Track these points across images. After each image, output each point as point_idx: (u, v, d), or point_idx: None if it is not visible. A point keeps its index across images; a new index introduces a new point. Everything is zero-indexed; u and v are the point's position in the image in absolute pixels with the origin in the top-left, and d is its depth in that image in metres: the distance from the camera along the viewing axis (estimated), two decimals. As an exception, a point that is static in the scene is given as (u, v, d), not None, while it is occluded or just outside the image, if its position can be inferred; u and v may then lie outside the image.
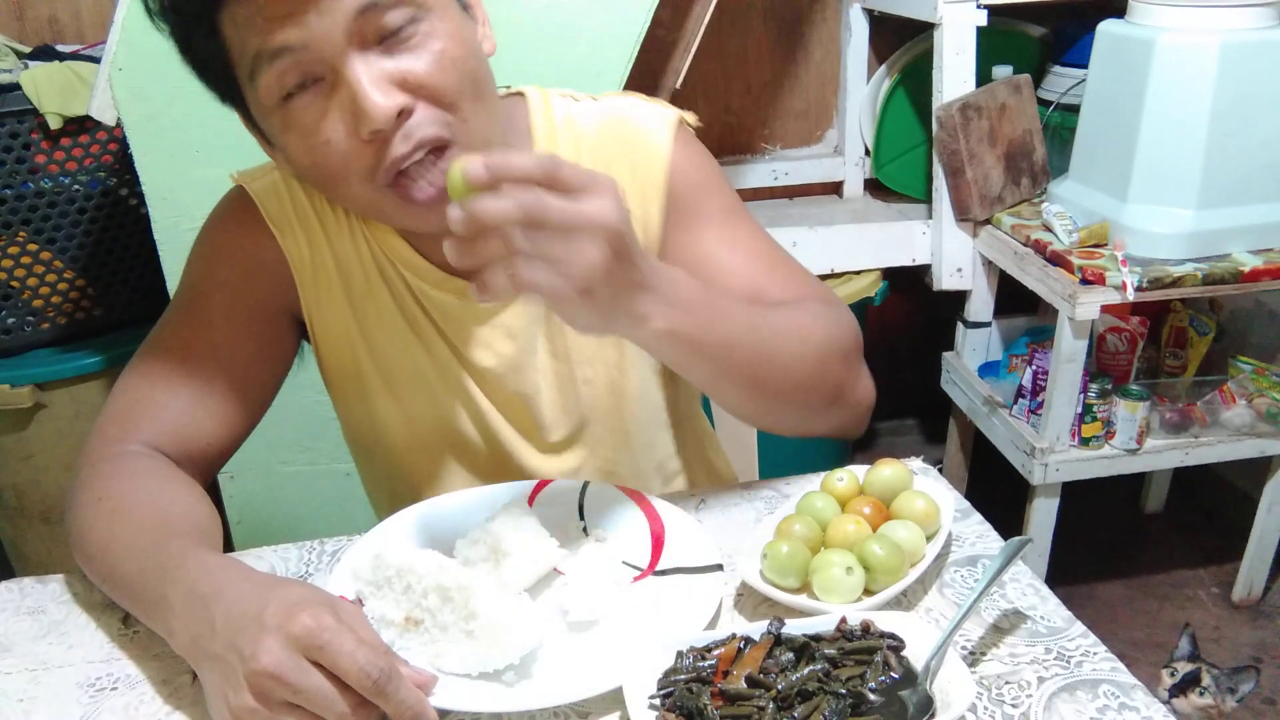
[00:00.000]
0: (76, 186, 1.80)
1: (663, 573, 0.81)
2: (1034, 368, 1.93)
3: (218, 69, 0.78)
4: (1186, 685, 1.68)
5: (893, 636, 0.69)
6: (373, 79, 0.73)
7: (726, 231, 0.94)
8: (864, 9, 2.28)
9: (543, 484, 0.91)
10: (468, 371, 0.96)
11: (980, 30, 1.97)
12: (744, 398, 0.85)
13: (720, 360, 0.80)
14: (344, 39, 0.73)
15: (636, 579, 0.80)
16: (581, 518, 0.88)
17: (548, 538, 0.79)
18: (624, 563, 0.81)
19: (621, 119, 0.93)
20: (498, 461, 0.99)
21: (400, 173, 0.77)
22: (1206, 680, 1.66)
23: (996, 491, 1.86)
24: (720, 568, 0.78)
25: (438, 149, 0.77)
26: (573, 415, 0.99)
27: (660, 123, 0.93)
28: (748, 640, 0.68)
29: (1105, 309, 1.79)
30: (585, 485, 0.91)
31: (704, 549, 0.81)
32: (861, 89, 2.36)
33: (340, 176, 0.78)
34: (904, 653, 0.68)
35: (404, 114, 0.74)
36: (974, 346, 2.21)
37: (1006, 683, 0.69)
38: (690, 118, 0.95)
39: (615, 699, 0.66)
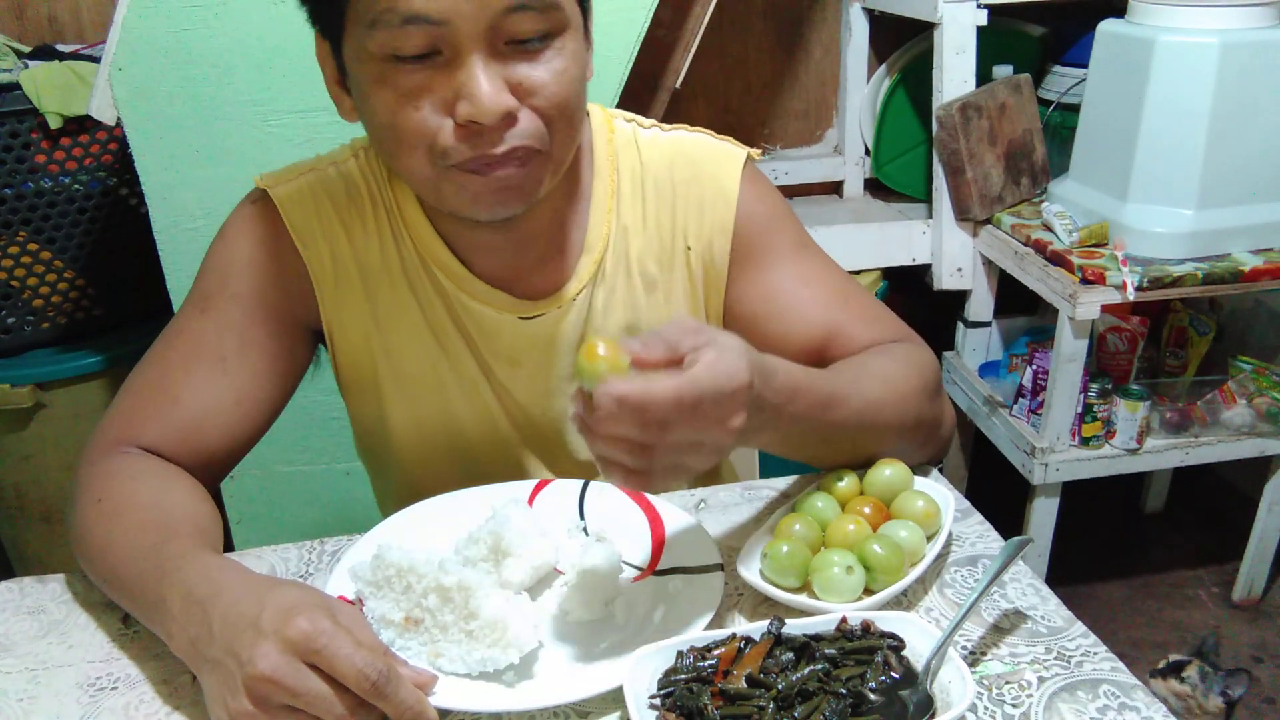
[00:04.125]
0: (76, 186, 1.80)
1: (663, 573, 0.80)
2: (1034, 367, 1.93)
3: None
4: (1170, 671, 1.69)
5: (893, 636, 0.68)
6: (490, 75, 0.73)
7: (799, 266, 0.95)
8: (864, 9, 2.28)
9: (543, 484, 0.91)
10: (494, 390, 0.95)
11: (980, 30, 1.97)
12: (841, 460, 0.87)
13: (824, 444, 0.84)
14: (484, 29, 0.72)
15: (636, 579, 0.80)
16: (582, 517, 0.88)
17: (548, 537, 0.79)
18: (624, 562, 0.81)
19: (692, 159, 0.94)
20: (508, 470, 0.98)
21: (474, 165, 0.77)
22: (1190, 672, 1.67)
23: (996, 491, 1.86)
24: (720, 568, 0.78)
25: (526, 158, 0.78)
26: None
27: (730, 164, 0.94)
28: (748, 640, 0.68)
29: (1105, 309, 1.78)
30: (585, 485, 0.91)
31: (704, 549, 0.81)
32: (861, 89, 2.36)
33: (411, 146, 0.77)
34: (904, 653, 0.68)
35: (508, 118, 0.75)
36: (974, 346, 2.21)
37: (1006, 683, 0.69)
38: (755, 152, 0.97)
39: (615, 699, 0.66)
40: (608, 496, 0.89)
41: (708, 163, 0.94)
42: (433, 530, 0.84)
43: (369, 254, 0.91)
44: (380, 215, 0.91)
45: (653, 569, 0.81)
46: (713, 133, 0.97)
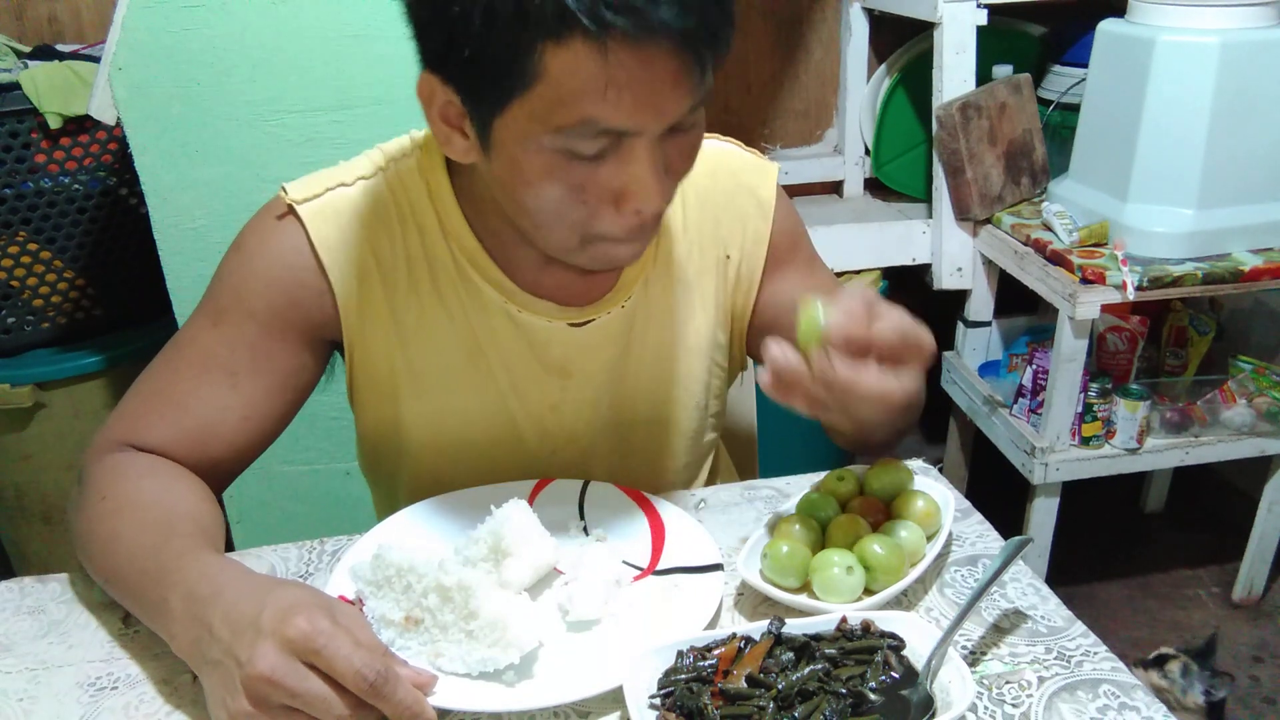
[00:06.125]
0: (76, 186, 1.80)
1: (663, 572, 0.81)
2: (1034, 367, 1.93)
3: (498, 75, 0.70)
4: (1152, 664, 1.70)
5: (893, 636, 0.69)
6: (657, 169, 0.74)
7: (813, 278, 1.02)
8: (864, 8, 2.28)
9: (543, 483, 0.91)
10: (524, 403, 0.95)
11: (980, 30, 1.97)
12: (870, 428, 0.85)
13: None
14: (666, 127, 0.73)
15: (637, 578, 0.81)
16: (582, 517, 0.88)
17: (548, 537, 0.79)
18: (624, 562, 0.81)
19: (732, 171, 0.98)
20: (525, 477, 0.98)
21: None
22: (1172, 667, 1.68)
23: (996, 491, 1.86)
24: (720, 567, 0.78)
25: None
26: (625, 449, 1.00)
27: (767, 178, 0.98)
28: (748, 640, 0.69)
29: (1105, 308, 1.78)
30: (585, 485, 0.91)
31: (704, 548, 0.81)
32: (861, 89, 2.36)
33: (568, 227, 0.78)
34: (904, 652, 0.68)
35: None
36: (974, 346, 2.21)
37: (1007, 682, 0.69)
38: (778, 166, 1.01)
39: (615, 699, 0.66)
40: (607, 496, 0.89)
41: (747, 175, 0.98)
42: (432, 530, 0.85)
43: (395, 270, 0.90)
44: (409, 229, 0.89)
45: (652, 568, 0.81)
46: (739, 142, 1.00)
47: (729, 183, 0.97)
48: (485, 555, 0.77)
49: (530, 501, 0.88)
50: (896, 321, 0.68)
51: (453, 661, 0.69)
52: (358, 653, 0.61)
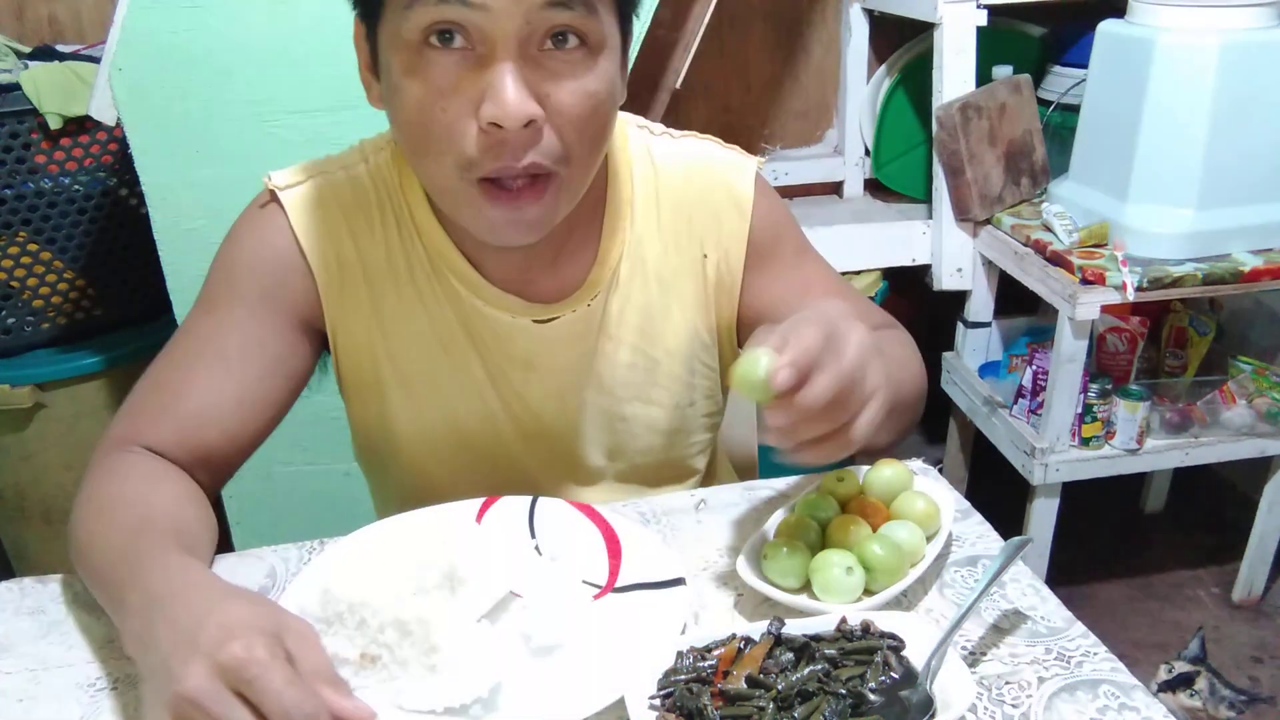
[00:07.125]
0: (76, 186, 1.80)
1: (623, 589, 0.78)
2: (1034, 368, 1.93)
3: None
4: (1178, 684, 1.68)
5: (893, 636, 0.69)
6: (517, 81, 0.72)
7: (801, 272, 1.00)
8: (864, 9, 2.28)
9: (489, 502, 0.87)
10: (500, 394, 0.95)
11: (980, 30, 1.97)
12: (884, 439, 0.85)
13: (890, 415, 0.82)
14: (520, 21, 0.71)
15: (597, 597, 0.78)
16: (533, 536, 0.85)
17: (502, 559, 0.76)
18: (583, 581, 0.78)
19: (707, 167, 0.96)
20: (512, 473, 0.98)
21: (496, 180, 0.77)
22: (1200, 684, 1.66)
23: (996, 491, 1.86)
24: (683, 581, 0.76)
25: (538, 177, 0.78)
26: (604, 448, 1.00)
27: (744, 174, 0.96)
28: (748, 640, 0.68)
29: (1105, 309, 1.78)
30: (534, 501, 0.88)
31: (664, 563, 0.78)
32: (861, 89, 2.36)
33: (437, 151, 0.76)
34: (904, 653, 0.68)
35: (531, 129, 0.74)
36: (974, 346, 2.21)
37: (1006, 683, 0.69)
38: (760, 161, 0.99)
39: (613, 705, 0.66)
40: (557, 512, 0.86)
41: (722, 172, 0.96)
42: (378, 559, 0.78)
43: (374, 259, 0.91)
44: (388, 220, 0.91)
45: (612, 586, 0.79)
46: (719, 140, 0.99)
47: (704, 181, 0.96)
48: (439, 583, 0.72)
49: (477, 521, 0.85)
50: (830, 380, 0.67)
51: (415, 698, 0.65)
52: (289, 690, 0.57)
